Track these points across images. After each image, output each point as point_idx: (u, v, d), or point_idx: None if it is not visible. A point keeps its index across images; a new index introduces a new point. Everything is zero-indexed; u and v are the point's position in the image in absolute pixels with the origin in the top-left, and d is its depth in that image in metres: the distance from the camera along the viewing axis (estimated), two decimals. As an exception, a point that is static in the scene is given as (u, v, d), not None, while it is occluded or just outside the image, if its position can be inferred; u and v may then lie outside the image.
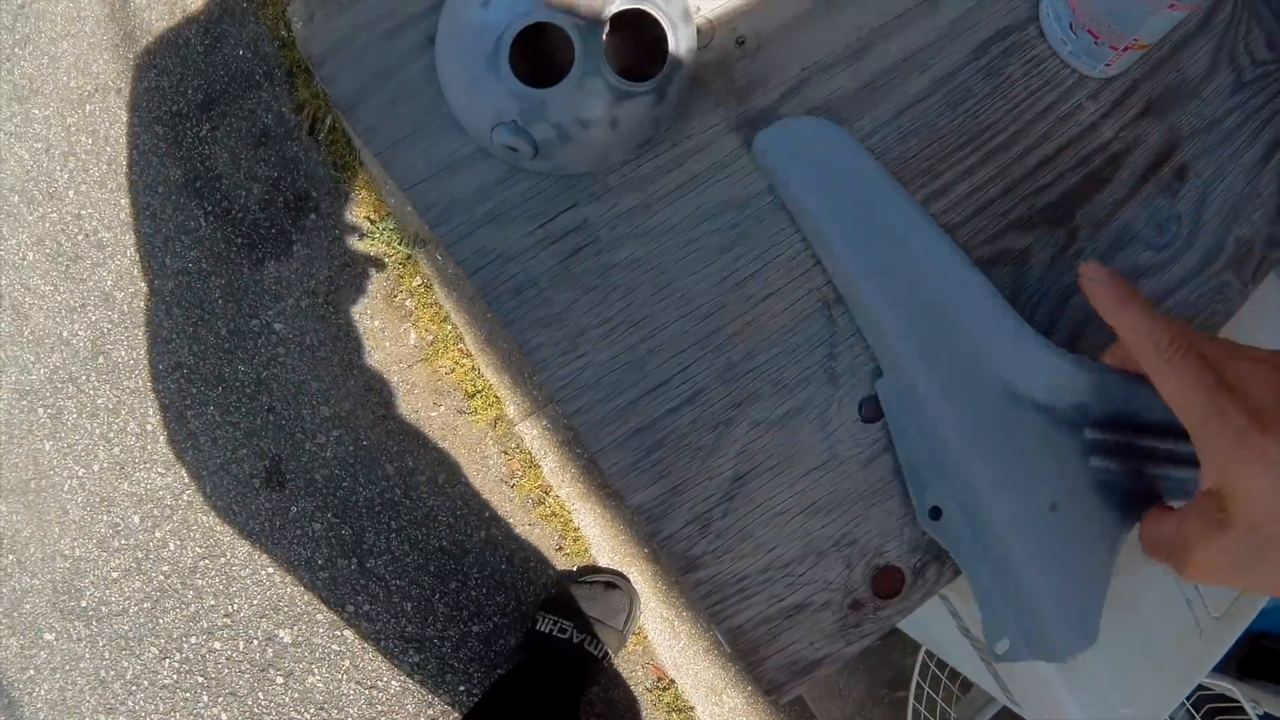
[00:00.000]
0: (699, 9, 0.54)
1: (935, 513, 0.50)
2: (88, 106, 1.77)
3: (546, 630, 1.44)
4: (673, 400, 0.53)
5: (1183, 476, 0.43)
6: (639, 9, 0.43)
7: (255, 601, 1.60)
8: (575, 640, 1.43)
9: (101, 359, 1.67)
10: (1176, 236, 0.58)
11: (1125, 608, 0.73)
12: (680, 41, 0.46)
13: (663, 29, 0.44)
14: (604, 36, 0.43)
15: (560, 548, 1.51)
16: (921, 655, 1.30)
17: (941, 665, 1.30)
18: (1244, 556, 0.35)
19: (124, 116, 1.74)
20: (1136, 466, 0.45)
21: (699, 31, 0.54)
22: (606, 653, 1.45)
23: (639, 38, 0.49)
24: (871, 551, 0.53)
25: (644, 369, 0.53)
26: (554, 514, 1.51)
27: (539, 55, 0.52)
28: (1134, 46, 0.53)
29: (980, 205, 0.56)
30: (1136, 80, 0.59)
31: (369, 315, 1.55)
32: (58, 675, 1.72)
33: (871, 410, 0.53)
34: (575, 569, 1.53)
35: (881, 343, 0.50)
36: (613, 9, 0.42)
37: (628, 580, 1.50)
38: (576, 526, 1.50)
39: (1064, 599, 0.44)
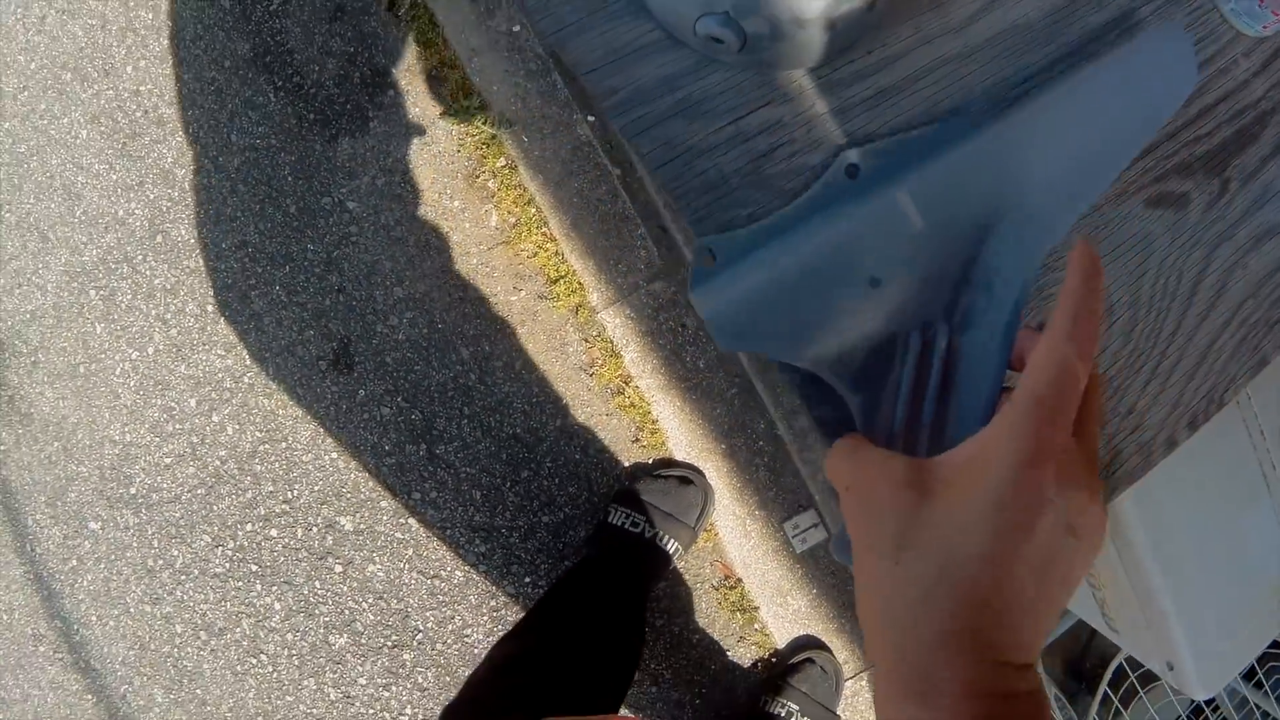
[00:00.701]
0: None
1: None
2: (148, -19, 1.71)
3: (618, 523, 1.42)
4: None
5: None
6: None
7: (316, 488, 1.56)
8: (647, 535, 1.40)
9: (160, 238, 1.62)
10: None
11: (1233, 546, 0.74)
12: None
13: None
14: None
15: (637, 439, 1.48)
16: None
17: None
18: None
19: (188, -8, 1.68)
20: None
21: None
22: (678, 548, 1.43)
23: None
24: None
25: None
26: (633, 405, 1.49)
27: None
28: None
29: (1147, 148, 0.55)
30: None
31: (449, 195, 1.52)
32: (102, 565, 1.67)
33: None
34: (651, 462, 1.50)
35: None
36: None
37: (703, 476, 1.48)
38: (655, 418, 1.47)
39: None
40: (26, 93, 1.72)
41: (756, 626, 1.52)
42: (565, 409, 1.49)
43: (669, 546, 1.42)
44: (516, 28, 1.50)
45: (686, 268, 1.38)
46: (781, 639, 1.52)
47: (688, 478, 1.48)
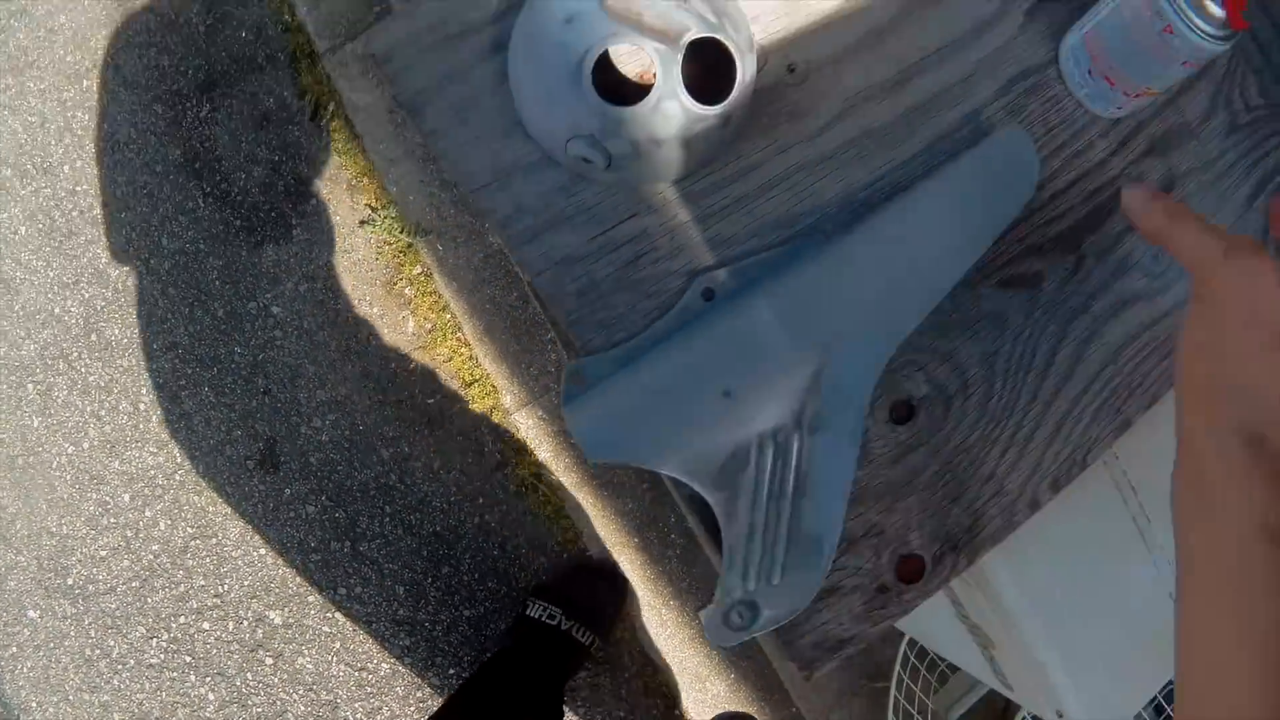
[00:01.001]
0: (756, 36, 0.59)
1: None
2: (85, 82, 1.77)
3: (536, 616, 1.48)
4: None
5: None
6: (713, 37, 0.47)
7: (246, 582, 1.62)
8: (564, 627, 1.46)
9: (94, 336, 1.68)
10: (1171, 266, 0.63)
11: (1114, 596, 0.79)
12: (745, 69, 0.50)
13: (731, 55, 0.48)
14: (681, 62, 0.47)
15: (551, 534, 1.54)
16: (903, 647, 1.36)
17: (921, 655, 1.36)
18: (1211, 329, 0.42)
19: (122, 94, 1.74)
20: None
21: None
22: (595, 640, 1.49)
23: (702, 61, 0.53)
24: (896, 541, 0.58)
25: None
26: (546, 502, 1.55)
27: (605, 73, 0.56)
28: (1145, 94, 0.59)
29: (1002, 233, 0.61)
30: (1142, 122, 0.64)
31: (368, 302, 1.58)
32: (41, 653, 1.72)
33: (901, 411, 0.58)
34: (566, 556, 1.57)
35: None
36: (690, 37, 0.46)
37: (618, 569, 1.54)
38: (568, 515, 1.54)
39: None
40: (-33, 189, 1.78)
41: (676, 713, 1.58)
42: (482, 507, 1.55)
43: (586, 639, 1.48)
44: (433, 141, 1.56)
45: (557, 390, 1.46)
46: (697, 723, 1.59)
47: (604, 571, 1.54)
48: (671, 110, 0.48)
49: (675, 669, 1.56)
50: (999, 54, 0.62)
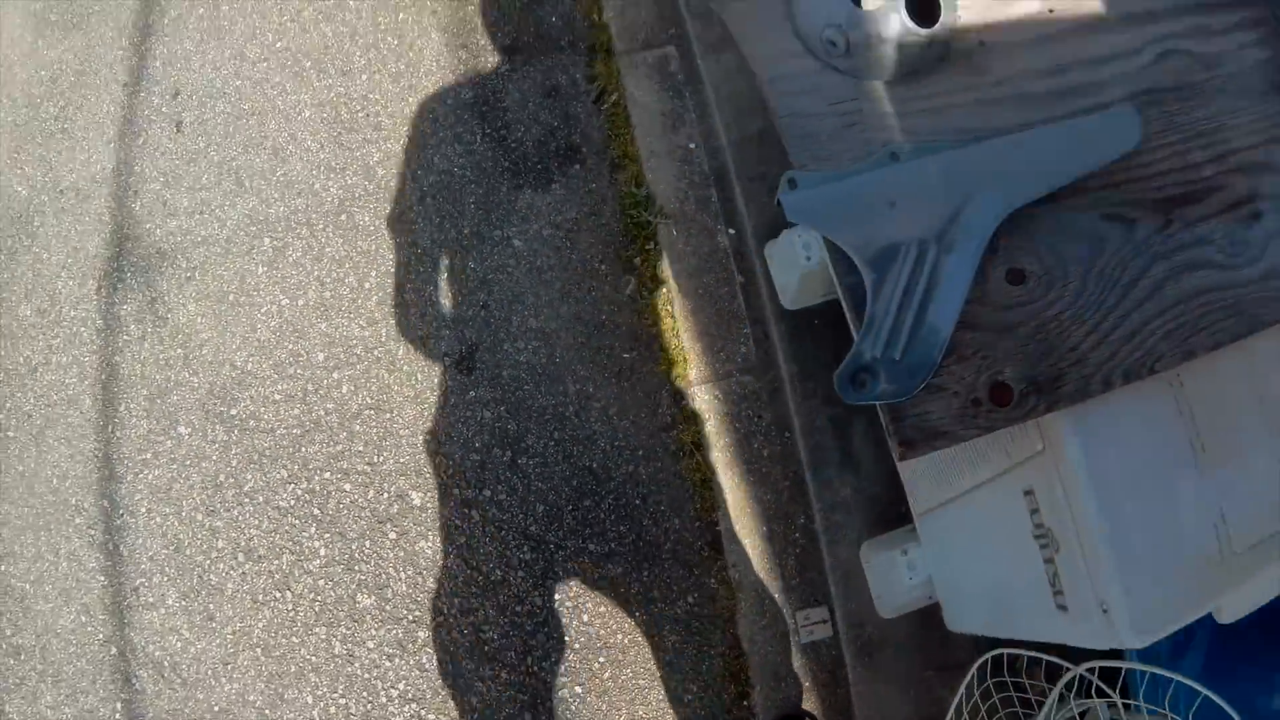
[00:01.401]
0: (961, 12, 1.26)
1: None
2: (400, 15, 2.50)
3: None
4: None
5: None
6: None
7: (403, 459, 2.18)
8: None
9: (344, 216, 2.33)
10: (1244, 253, 1.20)
11: (1166, 502, 1.14)
12: (948, 13, 1.17)
13: (940, 4, 1.16)
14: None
15: (691, 500, 2.12)
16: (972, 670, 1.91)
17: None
18: None
19: (434, 34, 2.46)
20: None
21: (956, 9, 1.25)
22: None
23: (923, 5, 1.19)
24: (994, 368, 1.05)
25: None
26: (697, 470, 2.05)
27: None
28: None
29: (1108, 182, 1.15)
30: (1238, 148, 1.24)
31: (598, 259, 2.23)
32: (175, 467, 2.26)
33: (1016, 276, 1.20)
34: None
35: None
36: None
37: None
38: (711, 488, 2.11)
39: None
40: (265, 64, 2.46)
41: (745, 704, 2.10)
42: (639, 458, 2.13)
43: None
44: (693, 145, 2.27)
45: (739, 378, 2.09)
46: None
47: None
48: (893, 20, 1.13)
49: (757, 662, 2.09)
50: (1137, 74, 1.29)
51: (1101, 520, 1.12)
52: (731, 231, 2.15)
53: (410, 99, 2.34)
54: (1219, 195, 1.16)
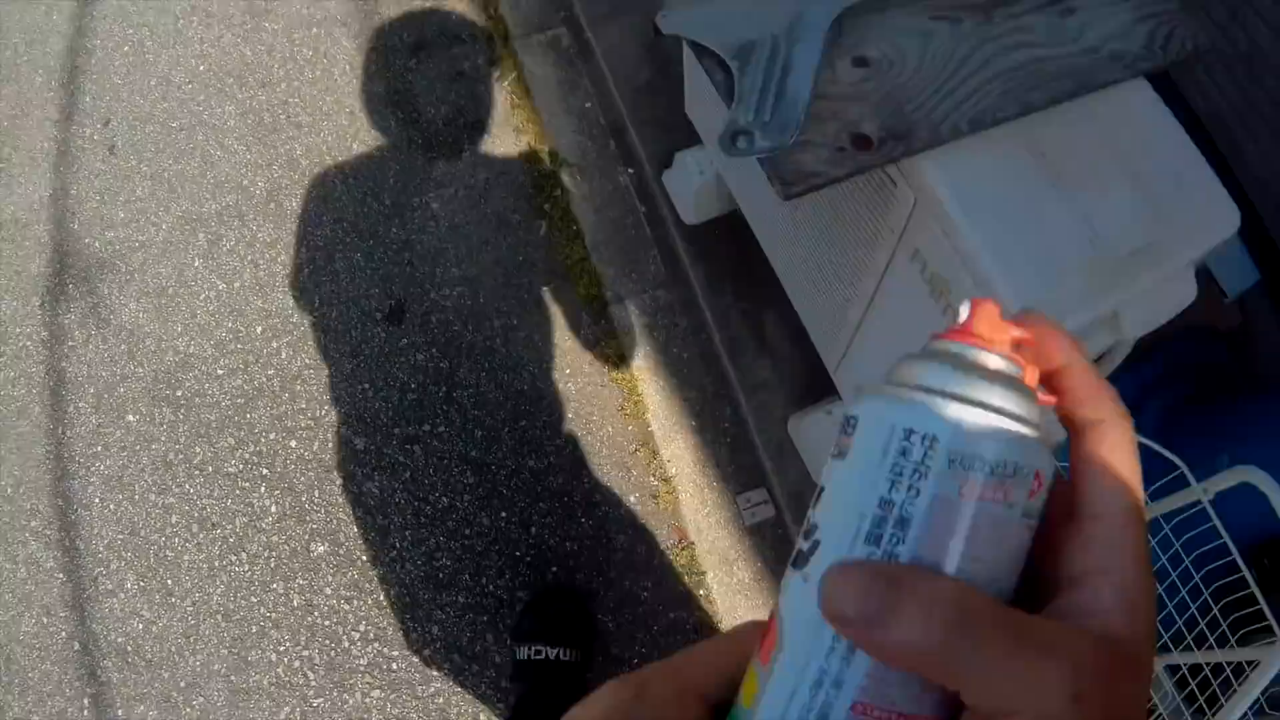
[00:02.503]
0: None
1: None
2: (314, 29, 2.74)
3: (525, 657, 2.00)
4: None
5: None
6: None
7: (344, 410, 2.30)
8: (551, 657, 1.99)
9: (274, 205, 2.50)
10: (1062, 34, 1.46)
11: (1034, 220, 1.23)
12: None
13: None
14: None
15: (622, 408, 2.24)
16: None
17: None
18: None
19: (344, 43, 2.69)
20: None
21: None
22: (580, 656, 2.02)
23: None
24: (851, 125, 1.22)
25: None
26: (624, 379, 2.19)
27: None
28: None
29: None
30: None
31: (512, 210, 2.41)
32: (125, 454, 2.36)
33: (860, 62, 1.40)
34: (530, 594, 2.16)
35: None
36: None
37: (572, 586, 2.14)
38: (640, 393, 2.25)
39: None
40: (191, 85, 2.66)
41: (701, 592, 2.19)
42: (568, 376, 2.26)
43: (574, 658, 2.01)
44: (588, 104, 2.49)
45: (652, 293, 2.26)
46: (724, 607, 2.18)
47: (562, 592, 2.11)
48: None
49: (705, 548, 2.18)
50: None
51: (979, 237, 1.23)
52: (630, 171, 2.35)
53: (328, 98, 2.56)
54: (1035, -4, 1.32)
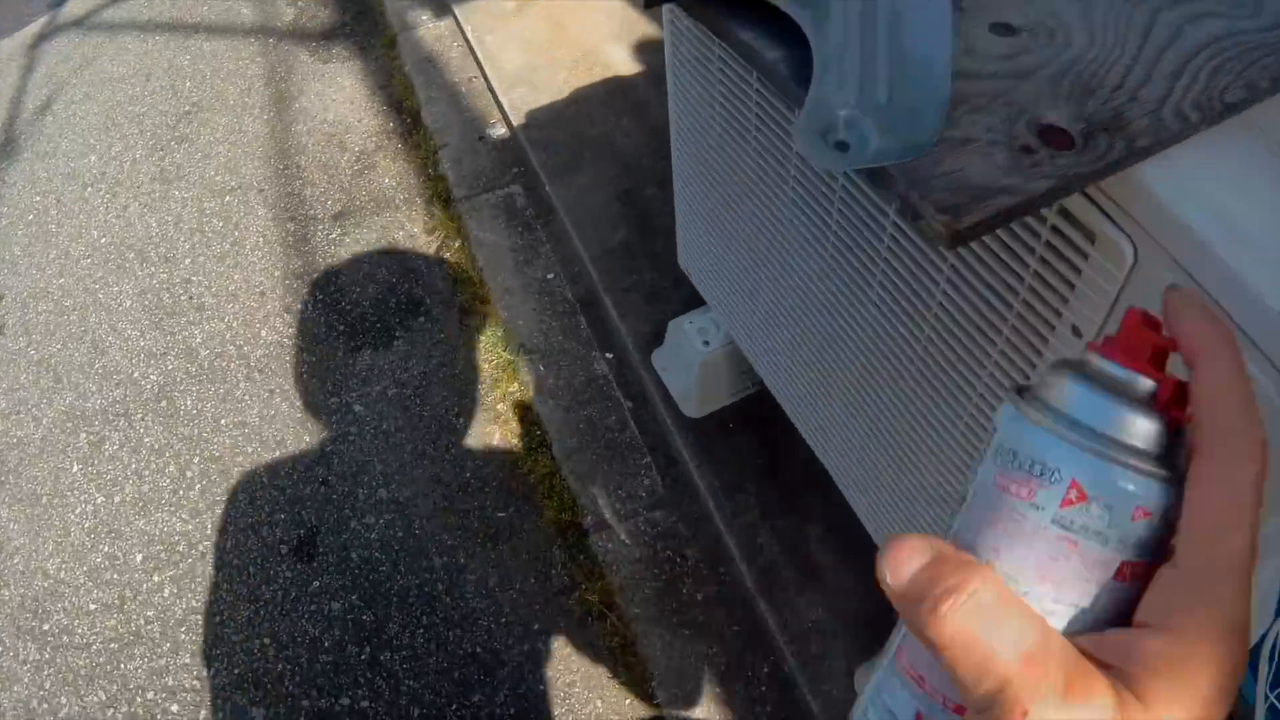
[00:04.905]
0: None
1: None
2: (227, 198, 2.39)
3: None
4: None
5: None
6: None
7: (236, 671, 1.85)
8: None
9: (165, 403, 2.10)
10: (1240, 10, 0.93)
11: None
12: None
13: None
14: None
15: (616, 674, 1.80)
16: None
17: None
18: None
19: (260, 211, 2.34)
20: None
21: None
22: None
23: None
24: (1028, 112, 0.77)
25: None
26: (615, 633, 1.77)
27: None
28: None
29: None
30: None
31: (455, 412, 2.02)
32: (-19, 698, 1.91)
33: (1001, 29, 0.89)
34: None
35: None
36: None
37: None
38: (638, 652, 1.78)
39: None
40: (89, 260, 2.30)
41: None
42: (536, 633, 1.82)
43: None
44: (550, 275, 2.12)
45: (646, 515, 1.85)
46: None
47: None
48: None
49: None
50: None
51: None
52: (608, 355, 1.98)
53: (235, 276, 2.19)
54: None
